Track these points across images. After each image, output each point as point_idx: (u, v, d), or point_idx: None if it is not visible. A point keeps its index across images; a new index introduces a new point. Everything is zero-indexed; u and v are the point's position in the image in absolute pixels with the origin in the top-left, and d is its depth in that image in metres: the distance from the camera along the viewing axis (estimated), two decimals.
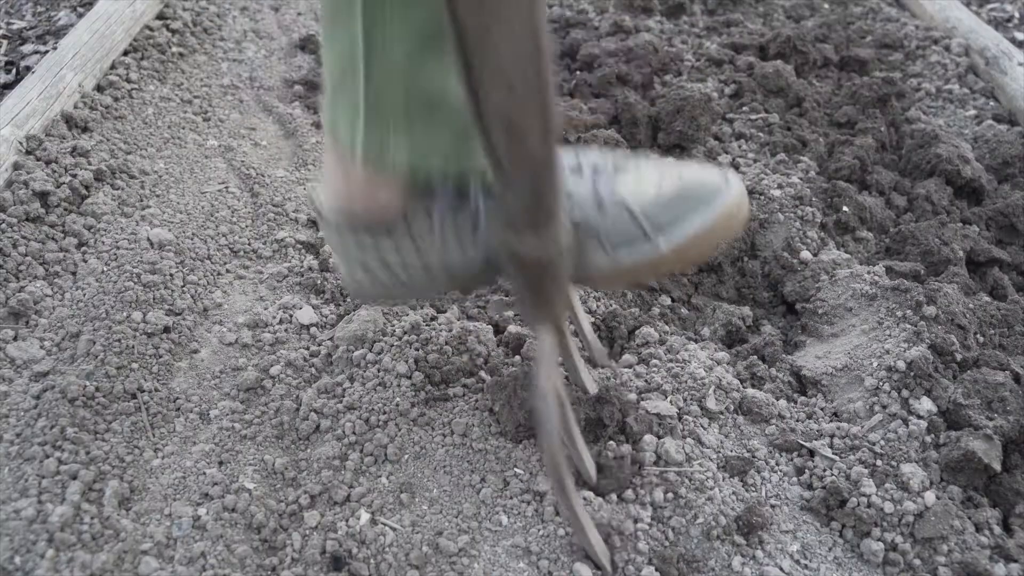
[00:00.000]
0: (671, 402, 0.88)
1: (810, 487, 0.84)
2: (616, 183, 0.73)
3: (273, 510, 0.78)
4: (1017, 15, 2.02)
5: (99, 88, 1.35)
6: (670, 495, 0.79)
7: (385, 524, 0.76)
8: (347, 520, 0.76)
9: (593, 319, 1.00)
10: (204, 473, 0.80)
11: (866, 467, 0.83)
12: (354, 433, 0.84)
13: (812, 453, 0.86)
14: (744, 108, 1.49)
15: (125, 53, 1.45)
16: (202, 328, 0.98)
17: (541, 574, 0.73)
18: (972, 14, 1.80)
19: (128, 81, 1.39)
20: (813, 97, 1.50)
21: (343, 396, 0.88)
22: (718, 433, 0.87)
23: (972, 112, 1.51)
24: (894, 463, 0.83)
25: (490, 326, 0.99)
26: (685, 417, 0.87)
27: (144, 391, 0.88)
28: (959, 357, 0.93)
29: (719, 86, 1.56)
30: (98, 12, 1.50)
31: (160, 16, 1.57)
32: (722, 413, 0.89)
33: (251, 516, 0.77)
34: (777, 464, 0.86)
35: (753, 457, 0.85)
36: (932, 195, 1.24)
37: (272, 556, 0.74)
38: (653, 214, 0.71)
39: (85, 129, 1.24)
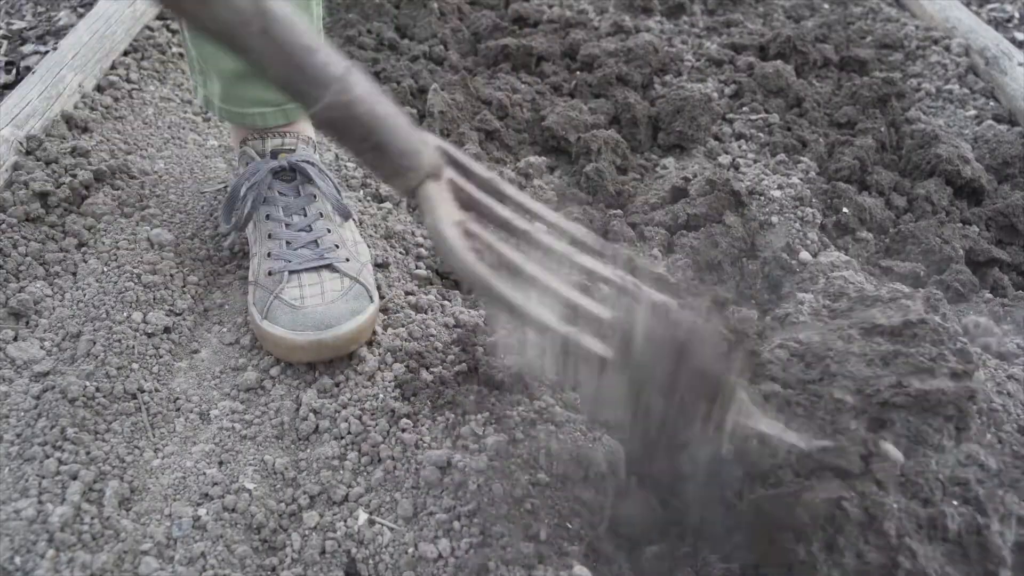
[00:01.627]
0: None
1: None
2: (296, 275, 0.94)
3: (273, 510, 0.78)
4: (1017, 15, 2.02)
5: (99, 88, 1.35)
6: None
7: (382, 524, 0.76)
8: (345, 520, 0.77)
9: None
10: (204, 473, 0.80)
11: None
12: (350, 432, 0.84)
13: None
14: (744, 108, 1.49)
15: (125, 53, 1.45)
16: (202, 328, 0.98)
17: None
18: (972, 14, 1.80)
19: (128, 81, 1.39)
20: (813, 97, 1.50)
21: (338, 395, 0.88)
22: None
23: (972, 112, 1.51)
24: None
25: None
26: None
27: (144, 391, 0.88)
28: None
29: (719, 86, 1.56)
30: (98, 12, 1.50)
31: (160, 16, 1.57)
32: None
33: (251, 516, 0.77)
34: None
35: None
36: (932, 195, 1.24)
37: (272, 556, 0.75)
38: (275, 307, 0.92)
39: (85, 129, 1.24)
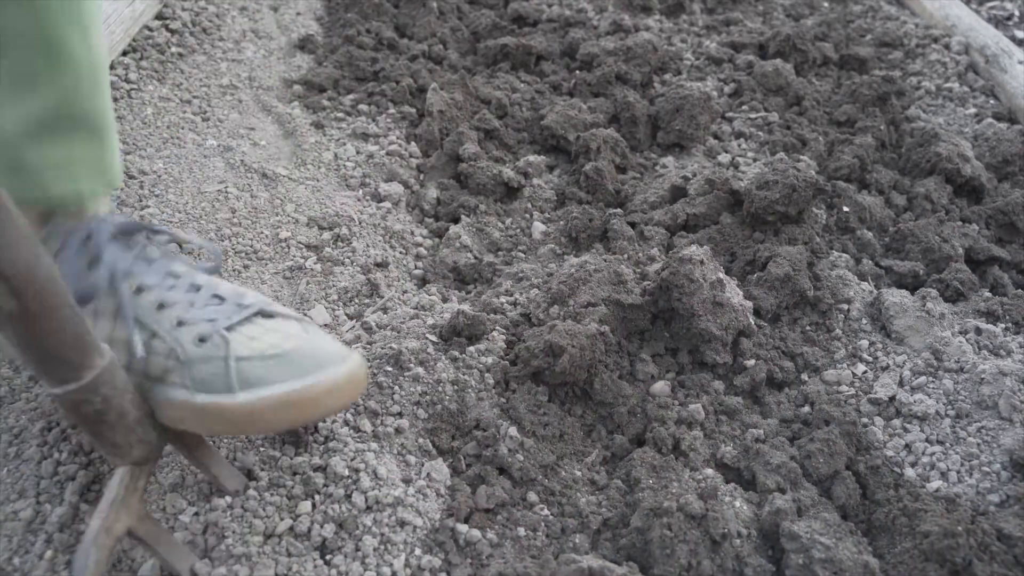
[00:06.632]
0: None
1: None
2: (236, 330, 0.71)
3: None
4: (1017, 13, 2.02)
5: None
6: None
7: None
8: None
9: None
10: None
11: None
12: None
13: None
14: (744, 107, 1.49)
15: (124, 53, 1.45)
16: None
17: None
18: (972, 12, 1.80)
19: (127, 81, 1.39)
20: (813, 96, 1.50)
21: None
22: None
23: (972, 110, 1.51)
24: None
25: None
26: None
27: None
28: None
29: (719, 85, 1.56)
30: None
31: (159, 16, 1.57)
32: None
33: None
34: None
35: None
36: (932, 194, 1.24)
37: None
38: (247, 369, 0.68)
39: None
